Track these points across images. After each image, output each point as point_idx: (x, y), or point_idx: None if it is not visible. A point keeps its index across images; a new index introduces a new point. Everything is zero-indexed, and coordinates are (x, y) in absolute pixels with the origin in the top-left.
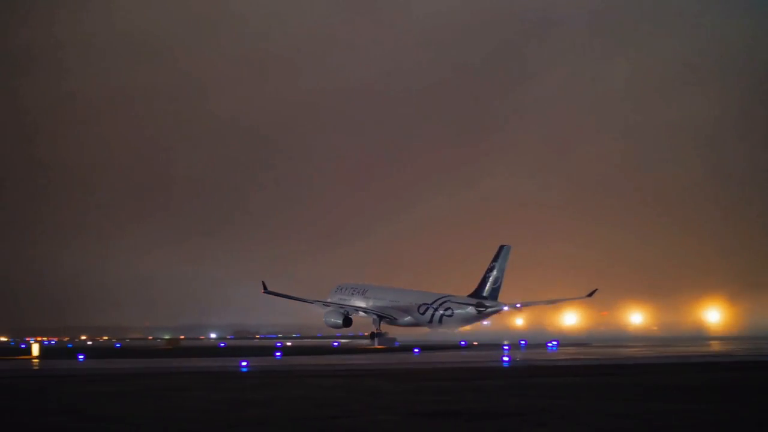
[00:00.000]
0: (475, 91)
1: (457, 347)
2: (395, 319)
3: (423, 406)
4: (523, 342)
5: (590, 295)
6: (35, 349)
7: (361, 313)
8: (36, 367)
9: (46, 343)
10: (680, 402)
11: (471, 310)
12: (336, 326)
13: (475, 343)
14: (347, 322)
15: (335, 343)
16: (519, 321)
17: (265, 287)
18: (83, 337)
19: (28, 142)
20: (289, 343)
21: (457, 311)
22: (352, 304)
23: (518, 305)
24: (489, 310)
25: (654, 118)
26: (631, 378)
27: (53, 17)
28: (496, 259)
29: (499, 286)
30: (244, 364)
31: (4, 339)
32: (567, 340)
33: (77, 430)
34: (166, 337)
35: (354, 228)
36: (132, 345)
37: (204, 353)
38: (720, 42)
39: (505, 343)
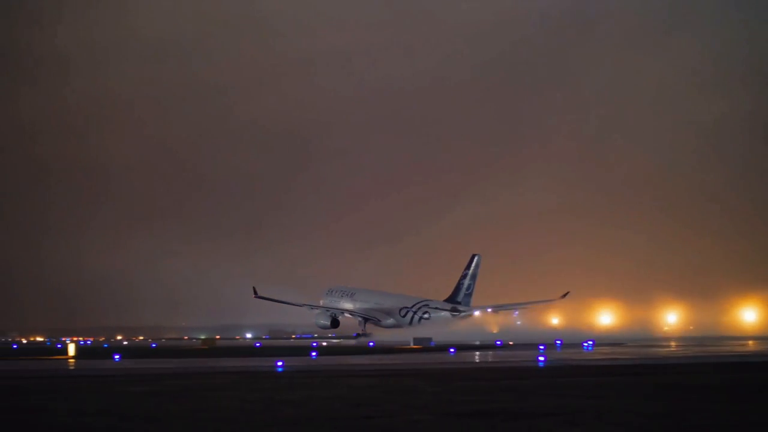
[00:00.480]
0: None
1: (492, 347)
2: (379, 320)
3: (458, 406)
4: (558, 342)
5: (563, 296)
6: (71, 349)
7: (347, 315)
8: (72, 367)
9: (81, 343)
10: (717, 402)
11: (446, 314)
12: (324, 327)
13: (511, 342)
14: (335, 323)
15: (371, 343)
16: (554, 320)
17: (255, 292)
18: (119, 337)
19: (75, 145)
20: (324, 343)
21: (433, 315)
22: (340, 306)
23: (489, 309)
24: (462, 314)
25: (684, 120)
26: (668, 378)
27: (91, 22)
28: (468, 267)
29: (471, 292)
30: (279, 364)
31: (40, 339)
32: (603, 340)
33: (114, 429)
34: (202, 337)
35: (392, 230)
36: (168, 345)
37: (240, 353)
38: (749, 44)
39: (541, 342)
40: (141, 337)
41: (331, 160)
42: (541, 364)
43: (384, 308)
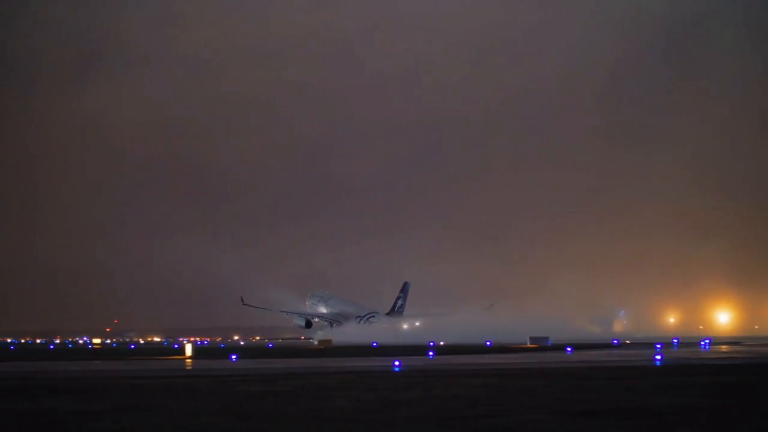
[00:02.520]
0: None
1: (609, 346)
2: (340, 323)
3: (572, 405)
4: (675, 340)
5: (489, 307)
6: (188, 349)
7: (316, 319)
8: (189, 367)
9: (198, 343)
10: None
11: (383, 321)
12: (301, 327)
13: (628, 341)
14: (308, 324)
15: (488, 342)
16: (671, 320)
17: (243, 301)
18: (236, 337)
19: (180, 145)
20: (441, 343)
21: (375, 322)
22: (317, 310)
23: (417, 323)
24: (397, 324)
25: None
26: None
27: (220, 26)
28: (401, 291)
29: (402, 308)
30: (396, 363)
31: (157, 339)
32: (720, 339)
33: (231, 429)
34: (319, 337)
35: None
36: (284, 345)
37: (356, 353)
38: None
39: (658, 341)
40: (257, 337)
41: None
42: (657, 363)
43: (345, 314)
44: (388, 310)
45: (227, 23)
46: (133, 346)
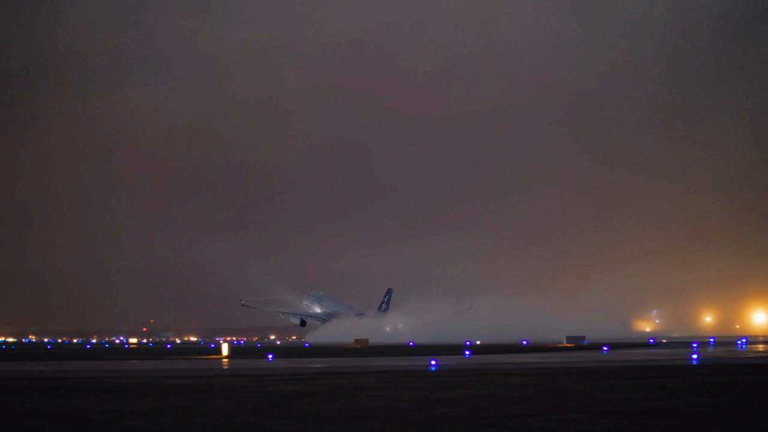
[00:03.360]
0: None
1: (646, 345)
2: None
3: (610, 404)
4: (711, 339)
5: (467, 309)
6: (224, 349)
7: (310, 318)
8: (225, 367)
9: (235, 342)
10: None
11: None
12: (297, 326)
13: (665, 340)
14: (303, 323)
15: (524, 341)
16: (708, 319)
17: (241, 302)
18: (272, 337)
19: (219, 148)
20: (478, 342)
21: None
22: (312, 310)
23: (399, 326)
24: (381, 324)
25: None
26: None
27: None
28: (385, 296)
29: (386, 309)
30: (433, 363)
31: (194, 339)
32: (756, 339)
33: (267, 429)
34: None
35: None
36: (320, 344)
37: (393, 353)
38: None
39: (694, 340)
40: (293, 337)
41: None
42: (694, 362)
43: (336, 314)
44: (374, 312)
45: (268, 26)
46: (169, 346)
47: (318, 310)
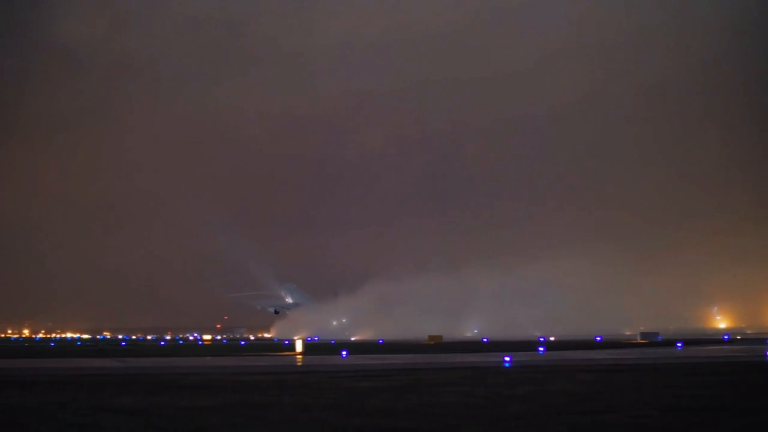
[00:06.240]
0: None
1: (720, 341)
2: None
3: (684, 401)
4: None
5: (335, 295)
6: (299, 345)
7: (280, 308)
8: (299, 363)
9: (309, 339)
10: None
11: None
12: (272, 314)
13: (739, 337)
14: (276, 312)
15: (598, 338)
16: None
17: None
18: (346, 333)
19: (306, 141)
20: (552, 338)
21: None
22: (285, 301)
23: (343, 320)
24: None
25: None
26: None
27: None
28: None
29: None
30: (507, 359)
31: (267, 335)
32: None
33: (340, 425)
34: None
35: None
36: (394, 341)
37: (467, 349)
38: None
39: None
40: (370, 334)
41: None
42: None
43: (301, 305)
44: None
45: (358, 18)
46: (243, 343)
47: (290, 300)
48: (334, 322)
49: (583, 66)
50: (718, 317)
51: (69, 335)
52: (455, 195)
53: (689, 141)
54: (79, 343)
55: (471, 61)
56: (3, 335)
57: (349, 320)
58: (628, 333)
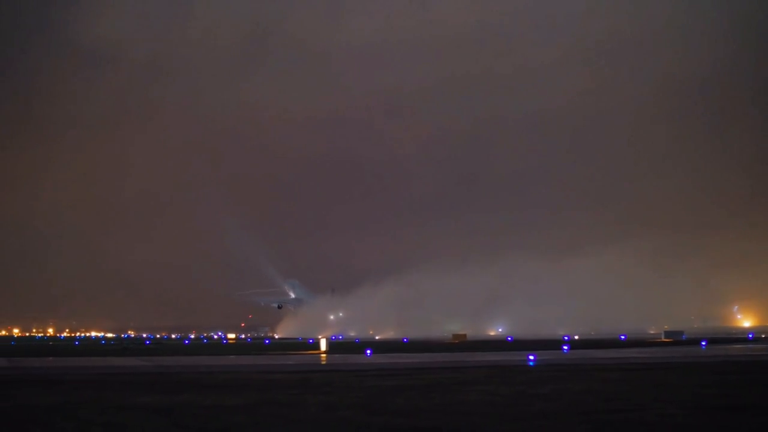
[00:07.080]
0: None
1: (744, 340)
2: (298, 307)
3: (709, 400)
4: None
5: (332, 292)
6: (323, 344)
7: (283, 303)
8: (324, 362)
9: (333, 338)
10: None
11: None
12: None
13: (764, 336)
14: (280, 307)
15: (622, 336)
16: None
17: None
18: (370, 332)
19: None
20: (576, 337)
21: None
22: (289, 296)
23: (341, 314)
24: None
25: None
26: None
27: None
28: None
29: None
30: (531, 357)
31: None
32: None
33: (364, 424)
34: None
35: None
36: (418, 339)
37: (491, 347)
38: None
39: None
40: (391, 333)
41: None
42: None
43: (300, 299)
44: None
45: (385, 17)
46: (267, 341)
47: (292, 295)
48: (331, 317)
49: (617, 58)
50: (739, 316)
51: (93, 334)
52: (484, 193)
53: (725, 137)
54: (103, 342)
55: (499, 57)
56: (28, 334)
57: (347, 315)
58: (652, 332)
